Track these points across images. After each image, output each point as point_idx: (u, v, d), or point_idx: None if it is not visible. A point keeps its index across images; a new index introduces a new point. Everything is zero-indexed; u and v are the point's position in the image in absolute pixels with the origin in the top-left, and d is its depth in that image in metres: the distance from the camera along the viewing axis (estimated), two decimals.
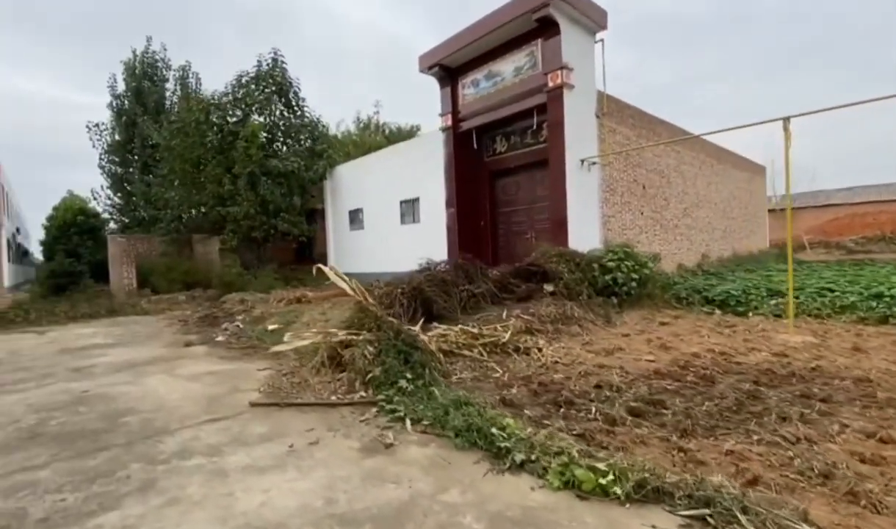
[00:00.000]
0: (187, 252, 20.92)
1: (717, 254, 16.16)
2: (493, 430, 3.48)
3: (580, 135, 9.93)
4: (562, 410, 4.12)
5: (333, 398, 4.82)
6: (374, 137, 23.78)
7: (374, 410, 4.37)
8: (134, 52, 23.93)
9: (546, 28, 9.79)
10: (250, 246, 16.52)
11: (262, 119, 15.32)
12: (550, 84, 9.71)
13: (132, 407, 4.73)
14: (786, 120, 6.75)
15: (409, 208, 13.91)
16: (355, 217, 16.21)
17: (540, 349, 6.14)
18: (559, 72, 9.55)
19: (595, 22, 10.22)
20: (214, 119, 15.41)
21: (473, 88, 11.56)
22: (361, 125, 25.15)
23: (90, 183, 57.48)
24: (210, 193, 15.09)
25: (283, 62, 16.64)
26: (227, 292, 14.54)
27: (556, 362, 5.82)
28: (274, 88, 16.23)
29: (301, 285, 16.67)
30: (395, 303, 7.13)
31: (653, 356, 5.96)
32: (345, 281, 6.23)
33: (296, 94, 16.84)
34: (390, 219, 14.48)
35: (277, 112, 16.21)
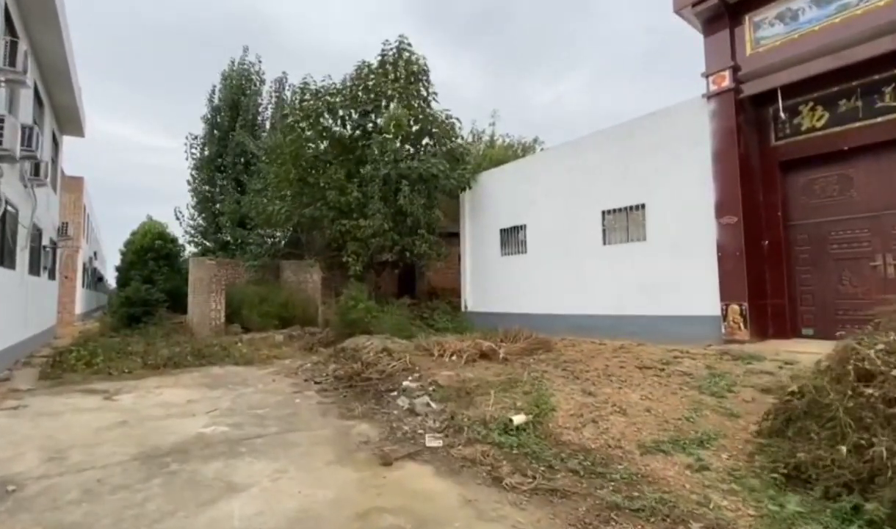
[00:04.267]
0: (275, 281, 17.57)
1: None
2: None
3: None
4: None
5: None
6: (490, 151, 20.00)
7: None
8: (232, 61, 21.95)
9: None
10: (366, 274, 12.64)
11: (402, 109, 11.66)
12: None
13: None
14: None
15: (621, 221, 9.50)
16: (511, 238, 12.00)
17: None
18: None
19: None
20: (340, 111, 12.00)
21: (781, 25, 7.28)
22: (471, 138, 21.55)
23: (166, 216, 58.19)
24: (330, 203, 11.42)
25: (409, 48, 13.19)
26: (348, 334, 10.58)
27: None
28: (406, 77, 12.72)
29: (427, 325, 12.53)
30: None
31: None
32: None
33: (426, 86, 13.24)
34: (582, 238, 10.13)
35: (415, 105, 12.57)
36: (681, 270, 8.30)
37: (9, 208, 8.33)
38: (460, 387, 5.91)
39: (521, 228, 11.67)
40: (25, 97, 9.05)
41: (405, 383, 6.60)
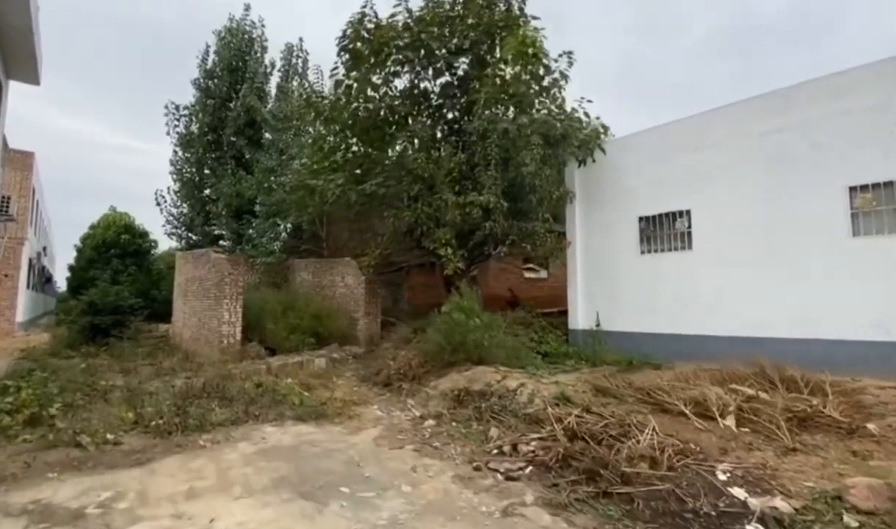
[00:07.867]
0: (284, 284, 13.68)
1: None
2: None
3: None
4: None
5: None
6: None
7: None
8: (231, 18, 17.94)
9: None
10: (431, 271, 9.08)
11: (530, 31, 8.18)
12: None
13: None
14: None
15: (890, 201, 6.40)
16: (659, 229, 8.70)
17: None
18: None
19: None
20: (430, 43, 8.38)
21: None
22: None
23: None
24: (416, 171, 7.82)
25: None
26: (448, 362, 7.03)
27: None
28: (503, 13, 9.32)
29: (537, 352, 8.94)
30: None
31: None
32: None
33: (530, 21, 9.76)
34: (804, 228, 6.97)
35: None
36: None
37: None
38: None
39: (681, 214, 8.43)
40: None
41: (743, 495, 3.16)
